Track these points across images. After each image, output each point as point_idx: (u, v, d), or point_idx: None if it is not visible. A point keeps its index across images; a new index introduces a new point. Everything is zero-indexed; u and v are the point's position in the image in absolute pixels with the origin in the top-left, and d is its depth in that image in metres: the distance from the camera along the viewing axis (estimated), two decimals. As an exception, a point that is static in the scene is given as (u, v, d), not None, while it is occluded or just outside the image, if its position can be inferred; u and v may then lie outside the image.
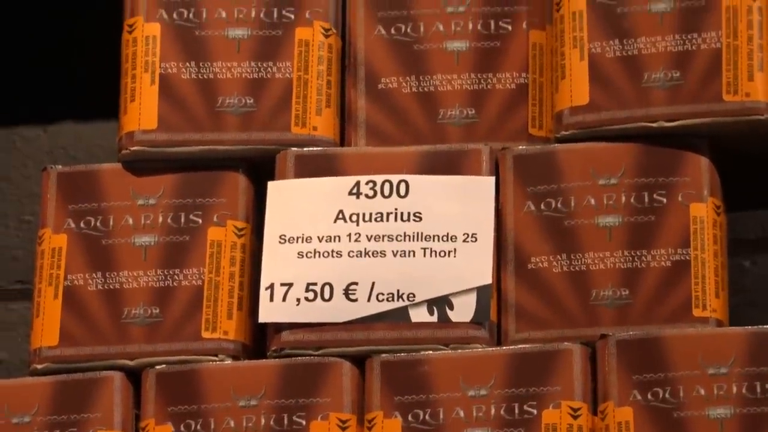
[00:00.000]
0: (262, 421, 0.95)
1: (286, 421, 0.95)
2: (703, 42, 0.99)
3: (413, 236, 0.98)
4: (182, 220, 1.01)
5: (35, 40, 1.31)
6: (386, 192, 0.98)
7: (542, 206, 0.97)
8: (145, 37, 1.03)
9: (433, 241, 0.98)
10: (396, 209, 0.98)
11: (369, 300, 0.97)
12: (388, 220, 0.98)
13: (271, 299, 0.97)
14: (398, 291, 0.96)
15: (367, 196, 0.99)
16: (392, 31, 1.04)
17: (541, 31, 1.03)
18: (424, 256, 0.97)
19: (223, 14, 1.03)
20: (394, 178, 0.98)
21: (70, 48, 1.17)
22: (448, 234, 0.97)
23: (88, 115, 1.18)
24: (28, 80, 1.24)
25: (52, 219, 1.02)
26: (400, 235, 0.98)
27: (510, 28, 1.04)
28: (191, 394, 0.97)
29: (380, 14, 1.05)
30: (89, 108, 1.18)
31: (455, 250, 0.97)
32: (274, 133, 1.02)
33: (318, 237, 0.98)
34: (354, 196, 0.98)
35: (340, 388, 0.94)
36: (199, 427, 0.96)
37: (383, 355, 0.94)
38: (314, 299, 0.96)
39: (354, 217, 0.99)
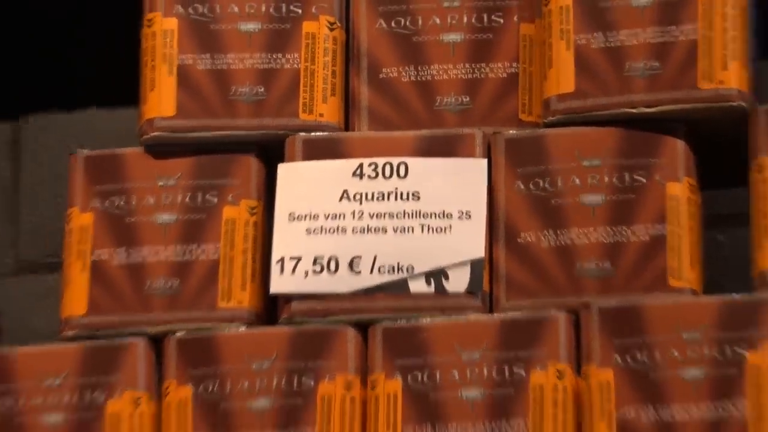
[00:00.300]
0: (274, 382, 0.96)
1: (295, 383, 0.96)
2: (680, 34, 1.00)
3: (412, 214, 0.99)
4: (199, 199, 1.02)
5: (64, 36, 1.31)
6: (387, 173, 1.00)
7: (531, 186, 0.99)
8: (163, 31, 1.04)
9: (430, 218, 0.99)
10: (396, 189, 1.00)
11: (371, 272, 0.98)
12: (388, 199, 1.00)
13: (282, 272, 0.99)
14: (398, 264, 0.98)
15: (369, 177, 1.00)
16: (392, 24, 1.05)
17: (531, 24, 1.04)
18: (422, 231, 0.99)
19: (236, 9, 1.04)
20: (395, 161, 1.00)
21: (94, 41, 1.14)
22: (444, 211, 0.99)
23: (112, 103, 1.16)
24: (58, 70, 1.21)
25: (80, 199, 1.04)
26: (400, 213, 1.00)
27: (502, 21, 1.05)
28: (209, 358, 0.98)
29: (381, 8, 1.06)
30: (113, 96, 1.16)
31: (451, 226, 0.99)
32: (284, 119, 1.04)
33: (324, 215, 1.00)
34: (357, 177, 1.00)
35: (345, 353, 0.95)
36: (215, 388, 0.97)
37: (385, 322, 0.96)
38: (321, 272, 0.98)
39: (357, 197, 1.00)
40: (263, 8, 1.06)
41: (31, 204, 1.23)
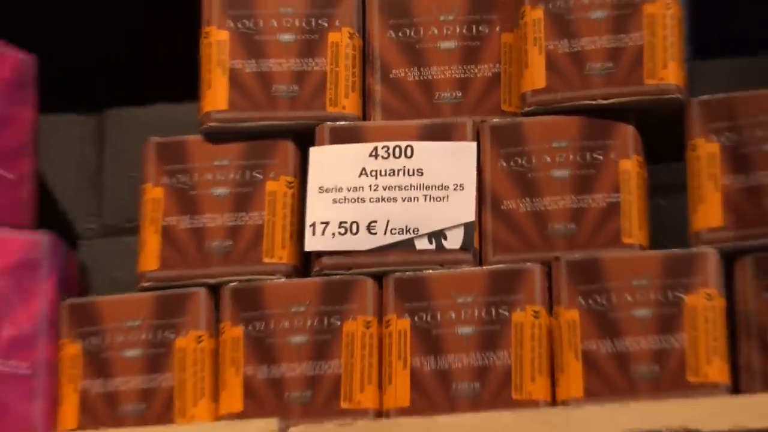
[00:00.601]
0: (308, 322, 0.96)
1: (325, 322, 0.97)
2: (630, 40, 1.00)
3: (417, 186, 1.00)
4: (247, 176, 1.03)
5: (140, 42, 1.31)
6: (397, 154, 1.00)
7: (511, 163, 0.99)
8: (217, 42, 1.04)
9: (431, 189, 1.00)
10: (404, 167, 1.00)
11: (385, 234, 0.98)
12: (398, 174, 1.00)
13: (314, 234, 0.99)
14: (406, 227, 0.98)
15: (382, 157, 1.01)
16: (399, 34, 1.05)
17: (510, 33, 1.04)
18: (425, 201, 0.99)
19: (275, 23, 1.04)
20: (403, 144, 1.00)
21: (165, 47, 1.20)
22: (442, 184, 0.99)
23: (178, 98, 1.17)
24: (134, 71, 1.25)
25: (152, 176, 1.04)
26: (407, 186, 1.00)
27: (487, 31, 1.05)
28: (256, 303, 0.99)
29: (390, 21, 1.06)
30: (178, 93, 1.16)
31: (447, 196, 0.99)
32: (314, 112, 1.04)
33: (347, 188, 1.00)
34: (373, 158, 1.00)
35: (365, 298, 0.96)
36: (262, 327, 0.98)
37: (396, 273, 0.96)
38: (345, 234, 0.98)
39: (373, 173, 1.00)
40: (297, 22, 1.05)
41: (113, 181, 1.24)
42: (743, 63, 1.06)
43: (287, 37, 1.04)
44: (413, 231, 0.98)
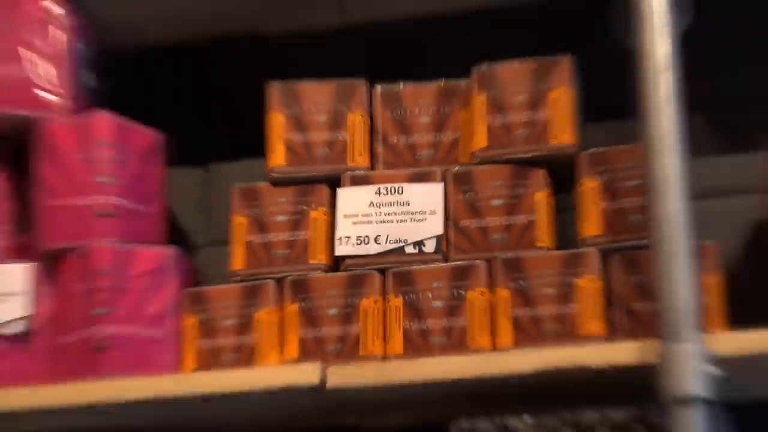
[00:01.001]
0: (339, 301, 0.96)
1: (350, 301, 0.96)
2: (542, 115, 0.99)
3: (405, 213, 0.99)
4: (298, 208, 1.01)
5: (236, 114, 1.28)
6: (392, 192, 1.00)
7: (466, 196, 0.98)
8: (277, 122, 1.03)
9: (415, 215, 0.99)
10: (397, 200, 0.99)
11: (386, 243, 0.98)
12: (393, 205, 0.99)
13: (341, 244, 0.99)
14: (399, 239, 0.98)
15: (383, 194, 1.00)
16: (394, 114, 1.04)
17: (466, 110, 1.02)
18: (411, 221, 0.98)
19: (313, 109, 1.02)
20: (396, 185, 1.00)
21: (248, 119, 1.13)
22: (421, 211, 0.99)
23: (255, 156, 1.09)
24: (230, 138, 1.24)
25: (238, 209, 1.02)
26: (399, 212, 0.99)
27: (450, 110, 1.03)
28: (306, 289, 0.98)
29: (388, 106, 1.04)
30: (256, 151, 1.08)
31: (426, 218, 0.98)
32: (340, 165, 1.02)
33: (361, 214, 0.99)
34: (377, 194, 0.99)
35: (374, 285, 0.96)
36: (310, 304, 0.97)
37: (393, 269, 0.97)
38: (360, 244, 0.98)
39: (378, 204, 0.99)
40: (327, 108, 1.03)
41: (216, 211, 1.16)
42: (615, 126, 1.04)
43: (322, 117, 1.03)
44: (404, 241, 0.98)
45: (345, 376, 0.90)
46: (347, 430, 1.07)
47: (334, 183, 1.02)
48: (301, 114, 1.03)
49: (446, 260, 0.97)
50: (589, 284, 0.91)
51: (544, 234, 0.96)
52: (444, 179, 0.99)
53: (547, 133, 0.97)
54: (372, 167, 1.03)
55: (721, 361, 0.79)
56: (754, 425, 0.93)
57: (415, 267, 0.96)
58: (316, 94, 1.02)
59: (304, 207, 1.01)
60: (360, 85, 1.03)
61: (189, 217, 1.21)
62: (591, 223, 0.96)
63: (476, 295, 0.94)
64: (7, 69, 1.02)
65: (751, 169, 1.03)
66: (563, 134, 0.97)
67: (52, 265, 1.01)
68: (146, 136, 1.06)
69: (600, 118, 1.05)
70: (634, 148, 0.91)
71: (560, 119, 0.98)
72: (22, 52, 1.03)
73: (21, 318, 0.99)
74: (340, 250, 0.98)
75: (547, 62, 0.99)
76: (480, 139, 0.99)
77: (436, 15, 1.19)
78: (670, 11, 0.84)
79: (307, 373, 0.90)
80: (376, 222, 0.98)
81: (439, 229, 0.97)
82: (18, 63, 1.02)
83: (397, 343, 0.94)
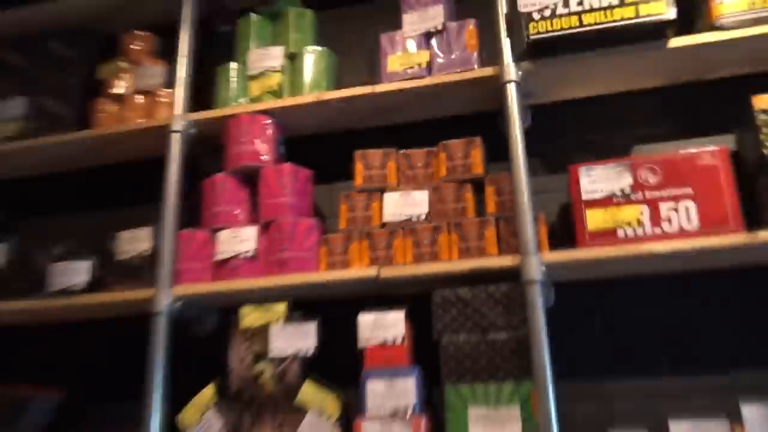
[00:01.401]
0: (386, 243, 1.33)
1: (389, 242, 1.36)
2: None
3: None
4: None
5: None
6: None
7: None
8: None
9: None
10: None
11: None
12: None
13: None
14: None
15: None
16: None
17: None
18: None
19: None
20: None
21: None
22: None
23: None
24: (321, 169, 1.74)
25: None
26: None
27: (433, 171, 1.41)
28: (373, 240, 1.35)
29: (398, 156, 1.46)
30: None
31: None
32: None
33: None
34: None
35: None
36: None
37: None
38: None
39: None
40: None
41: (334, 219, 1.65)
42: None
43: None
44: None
45: (388, 272, 1.44)
46: (388, 297, 1.64)
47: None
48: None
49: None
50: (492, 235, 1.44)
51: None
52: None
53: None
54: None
55: (547, 266, 1.25)
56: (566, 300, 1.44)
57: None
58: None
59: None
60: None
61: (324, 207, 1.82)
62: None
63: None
64: (252, 147, 1.76)
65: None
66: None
67: (265, 227, 1.67)
68: (304, 172, 1.72)
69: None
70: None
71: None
72: (257, 143, 1.79)
73: (251, 250, 1.67)
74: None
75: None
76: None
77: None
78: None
79: (371, 271, 1.46)
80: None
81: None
82: (254, 145, 1.78)
83: (409, 257, 1.52)
